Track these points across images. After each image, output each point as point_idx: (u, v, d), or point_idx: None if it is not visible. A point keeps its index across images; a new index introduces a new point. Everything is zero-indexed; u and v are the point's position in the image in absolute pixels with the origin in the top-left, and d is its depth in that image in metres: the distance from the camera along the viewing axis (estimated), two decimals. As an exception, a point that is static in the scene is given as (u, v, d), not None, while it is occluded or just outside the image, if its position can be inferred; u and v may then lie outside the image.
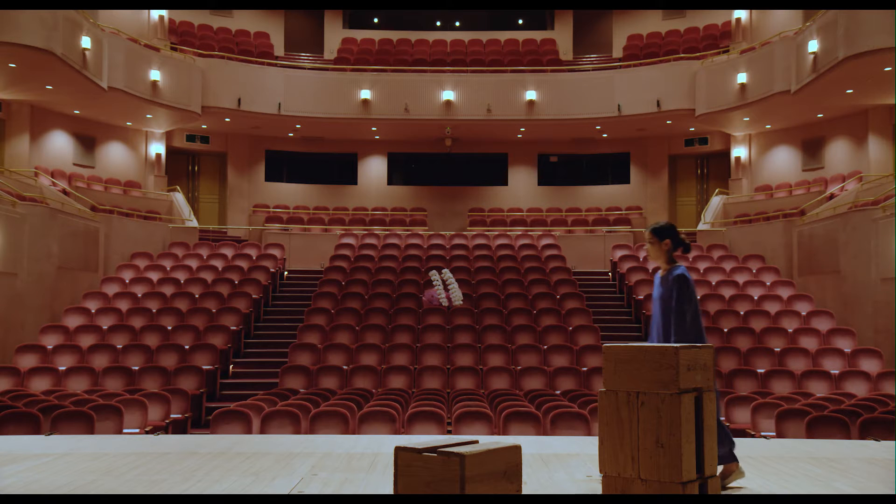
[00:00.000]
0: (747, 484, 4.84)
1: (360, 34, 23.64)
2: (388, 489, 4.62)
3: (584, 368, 11.14)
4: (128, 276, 14.79)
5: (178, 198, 19.46)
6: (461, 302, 5.21)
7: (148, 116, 18.86)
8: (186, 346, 11.78)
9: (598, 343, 12.19)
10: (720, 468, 4.69)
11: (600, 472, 3.89)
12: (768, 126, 19.39)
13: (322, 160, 22.22)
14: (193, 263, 15.62)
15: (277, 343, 13.05)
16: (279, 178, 22.00)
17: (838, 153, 18.28)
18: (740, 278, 14.96)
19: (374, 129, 20.74)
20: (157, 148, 20.02)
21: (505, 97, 19.88)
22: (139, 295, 13.78)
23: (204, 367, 11.15)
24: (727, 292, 14.22)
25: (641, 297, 14.03)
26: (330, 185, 22.13)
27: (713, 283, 14.62)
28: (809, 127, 18.81)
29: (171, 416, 9.39)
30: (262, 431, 7.86)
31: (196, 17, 22.18)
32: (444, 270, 5.38)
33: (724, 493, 4.50)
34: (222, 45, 21.21)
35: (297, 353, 11.75)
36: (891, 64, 14.25)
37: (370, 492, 4.61)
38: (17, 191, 14.23)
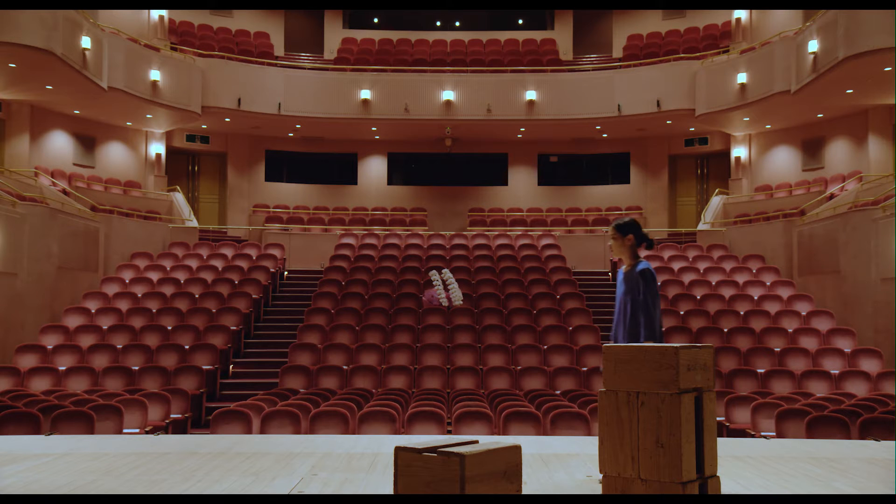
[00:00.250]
0: (747, 484, 4.84)
1: (360, 34, 23.65)
2: (388, 489, 4.62)
3: (584, 368, 11.14)
4: (128, 276, 14.79)
5: (178, 198, 19.47)
6: (461, 302, 5.20)
7: (148, 116, 18.86)
8: (186, 346, 11.78)
9: (598, 343, 12.19)
10: None
11: (600, 472, 3.89)
12: (768, 126, 19.40)
13: (322, 160, 22.22)
14: (193, 263, 15.62)
15: (277, 343, 13.05)
16: (279, 178, 22.01)
17: (838, 153, 18.28)
18: (740, 278, 14.95)
19: (374, 129, 20.74)
20: (157, 148, 20.02)
21: (505, 97, 19.88)
22: (139, 295, 13.78)
23: (204, 367, 11.15)
24: (727, 292, 14.22)
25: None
26: (330, 185, 22.13)
27: (713, 283, 14.62)
28: (809, 127, 18.82)
29: (171, 416, 9.39)
30: (262, 431, 7.85)
31: (196, 17, 22.18)
32: (444, 270, 5.38)
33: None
34: (222, 45, 21.21)
35: (297, 353, 11.75)
36: (891, 64, 14.25)
37: (370, 492, 4.61)
38: (17, 191, 14.23)
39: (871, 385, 10.70)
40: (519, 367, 11.20)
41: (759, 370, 10.99)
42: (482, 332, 12.56)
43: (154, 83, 17.82)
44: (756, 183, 19.85)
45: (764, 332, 12.52)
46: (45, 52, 14.21)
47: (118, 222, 15.89)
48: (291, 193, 21.81)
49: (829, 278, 14.00)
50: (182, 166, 21.31)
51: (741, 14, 20.99)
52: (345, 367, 11.16)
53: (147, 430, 8.56)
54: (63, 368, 10.94)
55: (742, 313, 13.31)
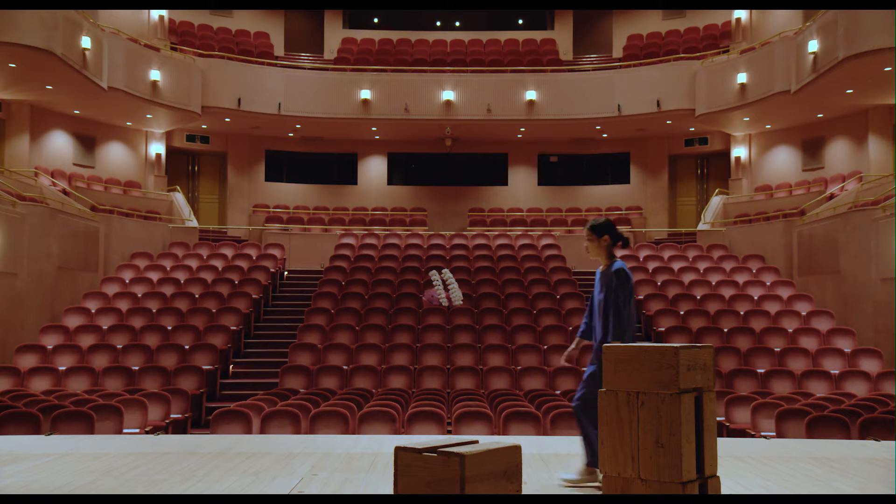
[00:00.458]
0: (747, 484, 4.84)
1: (360, 34, 23.64)
2: (388, 489, 4.62)
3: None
4: (128, 276, 14.79)
5: (178, 198, 19.46)
6: (461, 302, 5.21)
7: (148, 116, 18.86)
8: (186, 346, 11.78)
9: (598, 343, 12.17)
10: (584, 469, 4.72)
11: (600, 472, 3.89)
12: (768, 126, 19.39)
13: (322, 160, 22.22)
14: (193, 263, 15.62)
15: (277, 343, 13.05)
16: (279, 178, 22.00)
17: (838, 153, 18.28)
18: (740, 278, 14.95)
19: (374, 129, 20.74)
20: (157, 148, 20.02)
21: (505, 97, 19.88)
22: (139, 295, 13.78)
23: (204, 367, 11.15)
24: (727, 292, 14.22)
25: (641, 297, 14.02)
26: (330, 185, 22.13)
27: (713, 283, 14.62)
28: (809, 127, 18.81)
29: (171, 416, 9.39)
30: (262, 431, 7.85)
31: (196, 17, 22.18)
32: (444, 270, 5.39)
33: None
34: (222, 45, 21.21)
35: (297, 353, 11.75)
36: (891, 64, 14.25)
37: (370, 492, 4.61)
38: (17, 191, 14.23)
39: (871, 385, 10.70)
40: (519, 367, 11.20)
41: (759, 370, 10.99)
42: (482, 332, 12.56)
43: (154, 83, 17.82)
44: (756, 183, 19.85)
45: (764, 332, 12.52)
46: (45, 52, 14.20)
47: (118, 222, 15.89)
48: (291, 193, 21.81)
49: (829, 278, 14.00)
50: (182, 166, 21.31)
51: (741, 14, 20.99)
52: (345, 367, 11.16)
53: (147, 430, 8.56)
54: (63, 368, 10.94)
55: (742, 313, 13.31)
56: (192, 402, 10.17)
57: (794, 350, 11.81)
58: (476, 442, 3.88)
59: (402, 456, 3.72)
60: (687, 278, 14.96)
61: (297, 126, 20.57)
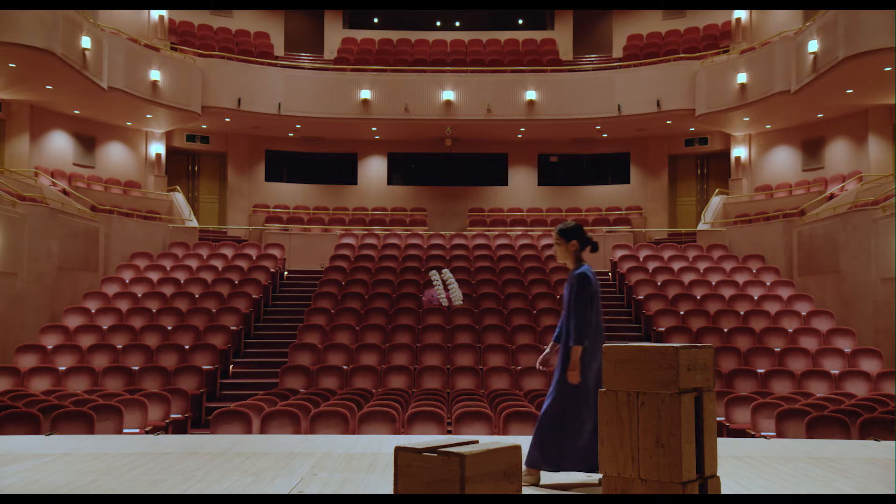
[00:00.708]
0: (747, 484, 4.84)
1: (360, 34, 23.64)
2: (388, 489, 4.62)
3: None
4: (128, 276, 14.79)
5: (178, 198, 19.47)
6: (461, 302, 5.21)
7: (148, 116, 18.86)
8: (186, 346, 11.78)
9: (598, 343, 12.17)
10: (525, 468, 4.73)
11: (600, 471, 3.89)
12: (768, 126, 19.39)
13: (322, 160, 22.22)
14: (193, 263, 15.62)
15: (277, 343, 13.05)
16: (279, 178, 22.00)
17: (838, 153, 18.28)
18: (740, 278, 14.95)
19: (374, 129, 20.74)
20: (157, 148, 20.02)
21: (505, 97, 19.88)
22: (139, 295, 13.78)
23: (204, 367, 11.15)
24: (727, 292, 14.22)
25: (641, 297, 14.02)
26: (330, 185, 22.13)
27: (713, 283, 14.62)
28: (809, 127, 18.81)
29: (171, 416, 9.39)
30: (262, 431, 7.85)
31: (196, 17, 22.18)
32: (444, 270, 5.39)
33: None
34: (222, 45, 21.21)
35: (297, 353, 11.75)
36: (891, 64, 14.25)
37: (370, 492, 4.61)
38: (17, 191, 14.23)
39: (871, 385, 10.70)
40: (519, 367, 11.19)
41: (759, 370, 10.99)
42: (482, 332, 12.56)
43: (154, 83, 17.82)
44: (756, 183, 19.85)
45: (764, 332, 12.52)
46: (45, 52, 14.20)
47: (118, 222, 15.89)
48: (291, 193, 21.81)
49: (829, 278, 14.00)
50: (182, 166, 21.31)
51: (741, 14, 20.99)
52: (345, 367, 11.16)
53: (147, 430, 8.56)
54: (63, 368, 10.94)
55: (742, 313, 13.31)
56: (192, 402, 10.17)
57: (794, 350, 11.81)
58: (476, 442, 3.88)
59: (402, 456, 3.72)
60: (687, 278, 14.96)
61: (297, 126, 20.57)
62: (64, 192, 16.61)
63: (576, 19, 23.90)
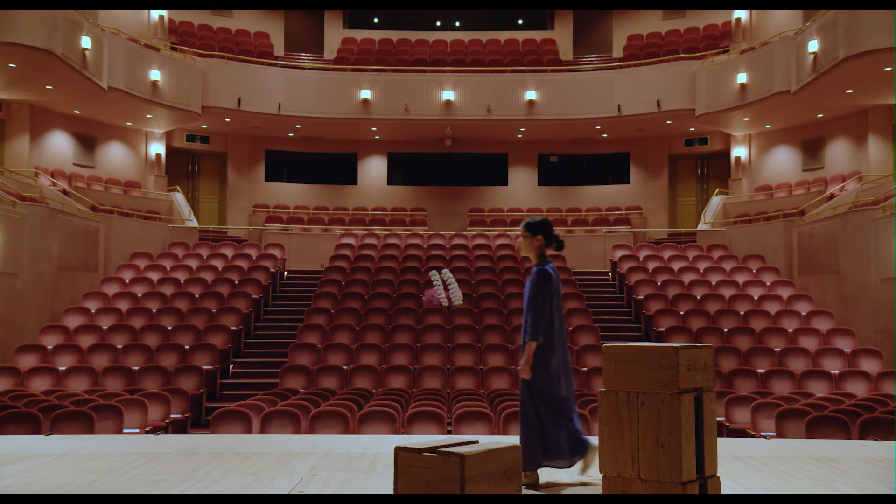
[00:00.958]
0: (747, 484, 4.84)
1: (360, 34, 23.64)
2: (388, 489, 4.62)
3: (584, 368, 11.14)
4: (128, 276, 14.79)
5: (178, 198, 19.46)
6: (461, 302, 5.20)
7: (148, 116, 18.86)
8: (186, 346, 11.78)
9: (598, 343, 12.19)
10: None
11: (600, 472, 3.89)
12: (768, 126, 19.39)
13: (322, 160, 22.22)
14: (193, 263, 15.62)
15: (277, 343, 13.05)
16: (279, 178, 22.00)
17: (838, 153, 18.28)
18: (740, 278, 14.95)
19: (374, 129, 20.74)
20: (157, 148, 20.02)
21: (505, 97, 19.88)
22: (139, 295, 13.78)
23: (204, 367, 11.15)
24: (727, 292, 14.22)
25: (641, 297, 14.02)
26: (330, 185, 22.13)
27: (713, 283, 14.62)
28: (809, 127, 18.81)
29: (171, 416, 9.39)
30: (262, 431, 7.85)
31: (196, 17, 22.18)
32: (444, 270, 5.38)
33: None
34: (222, 45, 21.21)
35: (297, 353, 11.75)
36: (891, 64, 14.25)
37: (370, 492, 4.61)
38: (17, 191, 14.23)
39: (871, 385, 10.70)
40: (519, 367, 11.17)
41: (759, 370, 10.99)
42: (482, 332, 12.56)
43: (154, 83, 17.82)
44: (756, 183, 19.85)
45: (764, 332, 12.52)
46: (45, 52, 14.20)
47: (118, 222, 15.89)
48: (291, 193, 21.81)
49: (829, 278, 14.00)
50: (182, 166, 21.31)
51: (741, 14, 20.99)
52: (345, 367, 11.16)
53: (147, 430, 8.56)
54: (63, 368, 10.94)
55: (742, 313, 13.31)
56: (192, 402, 10.17)
57: (794, 350, 11.81)
58: (476, 442, 3.88)
59: (402, 456, 3.72)
60: (687, 278, 14.96)
61: (297, 126, 20.57)
62: (64, 192, 16.61)
63: (576, 19, 23.90)
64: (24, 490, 4.65)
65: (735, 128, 19.72)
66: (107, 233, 15.34)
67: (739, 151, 20.19)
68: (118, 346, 11.76)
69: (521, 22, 24.40)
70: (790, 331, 12.60)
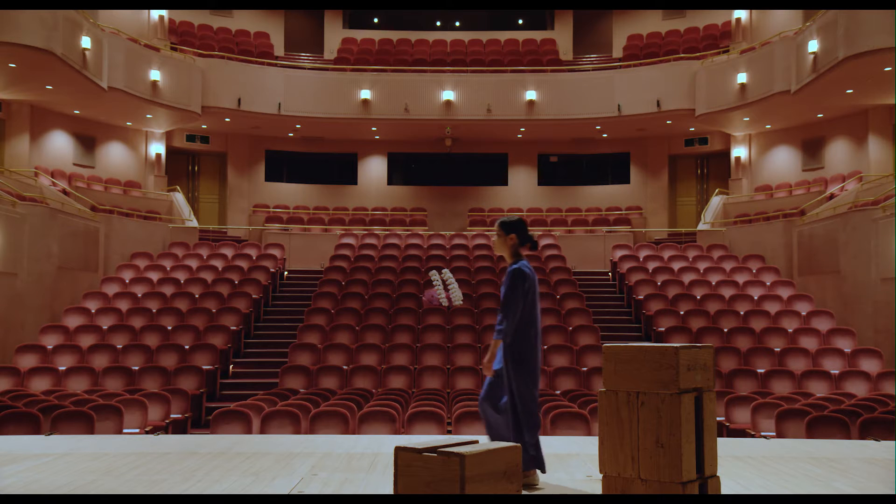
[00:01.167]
0: (747, 484, 4.84)
1: (360, 34, 23.64)
2: (388, 489, 4.62)
3: (584, 368, 11.14)
4: (128, 276, 14.79)
5: (178, 198, 19.46)
6: (461, 302, 5.20)
7: (148, 116, 18.86)
8: (186, 346, 11.78)
9: (598, 343, 12.19)
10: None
11: (600, 472, 3.89)
12: (768, 126, 19.39)
13: (322, 160, 22.22)
14: (193, 263, 15.62)
15: (277, 343, 13.05)
16: (279, 178, 22.00)
17: (838, 153, 18.28)
18: (740, 278, 14.95)
19: (374, 129, 20.74)
20: (157, 148, 20.02)
21: (505, 97, 19.88)
22: (139, 295, 13.78)
23: (204, 367, 11.15)
24: (727, 292, 14.22)
25: (641, 297, 14.02)
26: (330, 185, 22.13)
27: (713, 283, 14.62)
28: (809, 127, 18.81)
29: (171, 416, 9.39)
30: (262, 431, 7.86)
31: (196, 17, 22.18)
32: (444, 270, 5.38)
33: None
34: (222, 45, 21.21)
35: (297, 353, 11.75)
36: (891, 64, 14.25)
37: (370, 492, 4.61)
38: (17, 191, 14.23)
39: (871, 385, 10.70)
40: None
41: (759, 370, 10.99)
42: (482, 332, 12.56)
43: (154, 83, 17.82)
44: (756, 183, 19.85)
45: (764, 332, 12.52)
46: (45, 52, 14.20)
47: (118, 222, 15.89)
48: (291, 193, 21.81)
49: (829, 278, 14.00)
50: (182, 166, 21.30)
51: (741, 14, 20.99)
52: (345, 367, 11.16)
53: (147, 430, 8.56)
54: (63, 368, 10.94)
55: (742, 313, 13.31)
56: (192, 402, 10.17)
57: (794, 350, 11.81)
58: (476, 442, 3.88)
59: (402, 456, 3.72)
60: (687, 278, 14.96)
61: (297, 126, 20.57)
62: (64, 192, 16.61)
63: (576, 19, 23.90)
64: (24, 490, 4.65)
65: (735, 128, 19.72)
66: (107, 233, 15.34)
67: (739, 151, 20.19)
68: (118, 346, 11.76)
69: (521, 22, 24.40)
70: (790, 331, 12.60)
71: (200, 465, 5.46)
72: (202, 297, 13.66)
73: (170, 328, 12.44)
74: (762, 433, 8.36)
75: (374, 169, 22.27)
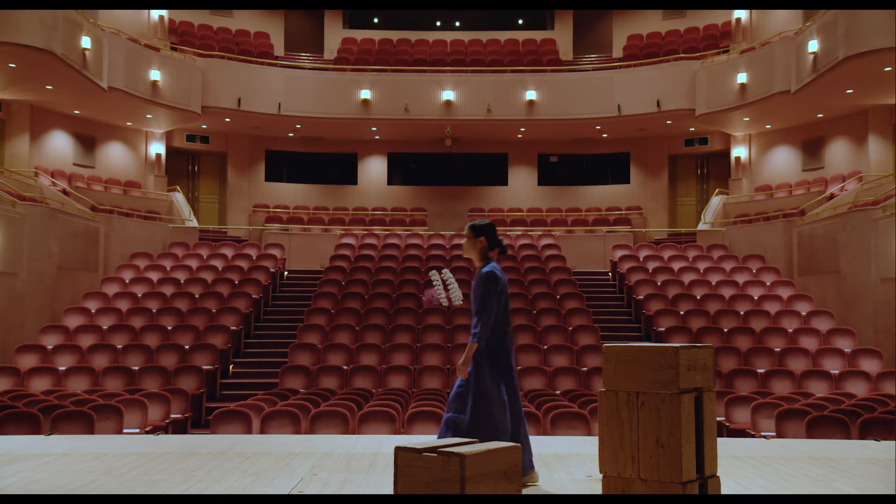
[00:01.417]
0: (747, 484, 4.84)
1: (360, 34, 23.64)
2: (388, 489, 4.62)
3: (584, 368, 11.14)
4: (128, 276, 14.79)
5: (178, 198, 19.46)
6: (461, 302, 5.20)
7: (148, 116, 18.86)
8: (186, 346, 11.78)
9: (598, 343, 12.19)
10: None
11: (600, 472, 3.89)
12: (768, 126, 19.39)
13: (322, 160, 22.22)
14: (193, 263, 15.62)
15: (277, 343, 13.05)
16: (279, 178, 22.00)
17: (838, 153, 18.28)
18: (740, 278, 14.95)
19: (374, 129, 20.74)
20: (157, 148, 20.02)
21: (505, 97, 19.88)
22: (139, 295, 13.78)
23: (204, 367, 11.15)
24: (727, 292, 14.22)
25: (641, 297, 14.02)
26: (330, 185, 22.13)
27: (713, 283, 14.62)
28: (809, 127, 18.81)
29: (171, 416, 9.39)
30: (262, 431, 7.86)
31: (196, 17, 22.18)
32: (444, 270, 5.38)
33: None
34: (222, 45, 21.21)
35: (297, 353, 11.75)
36: (891, 64, 14.25)
37: (370, 492, 4.61)
38: (17, 191, 14.23)
39: (871, 385, 10.71)
40: (519, 367, 11.19)
41: (759, 370, 10.99)
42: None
43: (154, 83, 17.82)
44: (756, 183, 19.85)
45: (764, 332, 12.52)
46: (45, 52, 14.20)
47: (118, 222, 15.89)
48: (291, 193, 21.81)
49: (829, 278, 14.00)
50: (182, 166, 21.30)
51: (741, 14, 20.99)
52: (345, 367, 11.16)
53: (147, 430, 8.56)
54: (63, 368, 10.94)
55: (742, 313, 13.31)
56: (192, 402, 10.17)
57: (794, 350, 11.81)
58: (476, 442, 3.88)
59: (402, 456, 3.72)
60: (687, 278, 14.96)
61: (297, 126, 20.57)
62: (64, 192, 16.61)
63: (576, 19, 23.90)
64: (24, 490, 4.65)
65: (735, 128, 19.72)
66: (107, 233, 15.34)
67: (739, 151, 20.19)
68: (118, 346, 11.76)
69: (521, 22, 24.39)
70: (790, 331, 12.60)
71: (200, 465, 5.46)
72: (202, 297, 13.66)
73: (170, 328, 12.44)
74: (762, 433, 8.36)
75: (374, 169, 22.27)
